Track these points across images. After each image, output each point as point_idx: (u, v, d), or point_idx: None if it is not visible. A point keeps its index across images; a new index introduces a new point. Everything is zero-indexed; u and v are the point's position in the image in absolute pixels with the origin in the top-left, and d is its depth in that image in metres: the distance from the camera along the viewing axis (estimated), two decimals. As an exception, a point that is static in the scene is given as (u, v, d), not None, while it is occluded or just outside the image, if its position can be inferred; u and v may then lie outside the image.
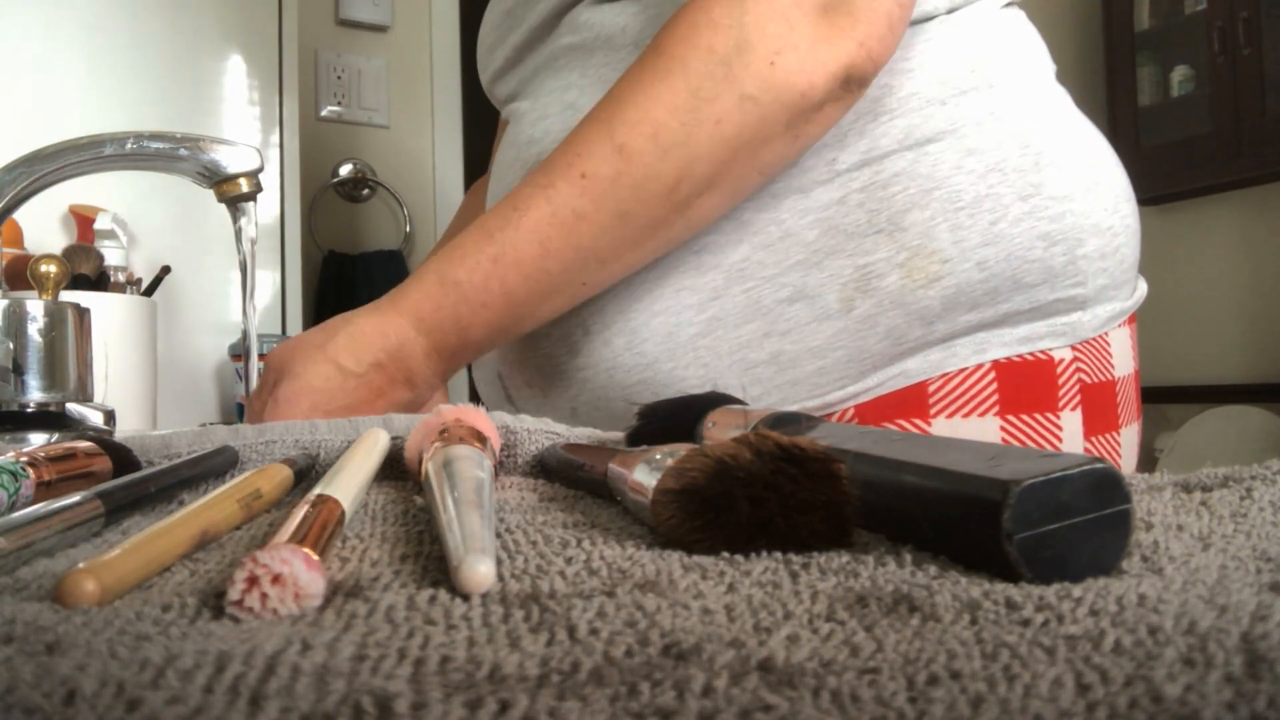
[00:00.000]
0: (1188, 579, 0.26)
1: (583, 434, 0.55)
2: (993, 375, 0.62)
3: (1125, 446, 0.66)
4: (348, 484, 0.35)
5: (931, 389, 0.62)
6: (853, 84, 0.57)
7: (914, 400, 0.62)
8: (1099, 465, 0.27)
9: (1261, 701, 0.17)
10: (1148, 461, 2.79)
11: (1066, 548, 0.26)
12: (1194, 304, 2.94)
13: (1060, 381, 0.62)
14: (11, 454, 0.39)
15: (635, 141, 0.56)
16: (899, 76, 0.62)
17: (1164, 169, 2.82)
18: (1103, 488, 0.27)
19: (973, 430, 0.62)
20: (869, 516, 0.32)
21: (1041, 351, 0.62)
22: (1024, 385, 0.62)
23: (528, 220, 0.57)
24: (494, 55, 0.80)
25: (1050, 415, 0.62)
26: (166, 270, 1.48)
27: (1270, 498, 0.37)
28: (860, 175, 0.61)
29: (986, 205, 0.61)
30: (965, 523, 0.28)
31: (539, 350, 0.69)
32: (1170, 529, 0.33)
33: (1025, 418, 0.62)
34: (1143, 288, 0.69)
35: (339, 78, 2.40)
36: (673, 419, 0.53)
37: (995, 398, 0.62)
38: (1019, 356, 0.62)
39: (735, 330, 0.62)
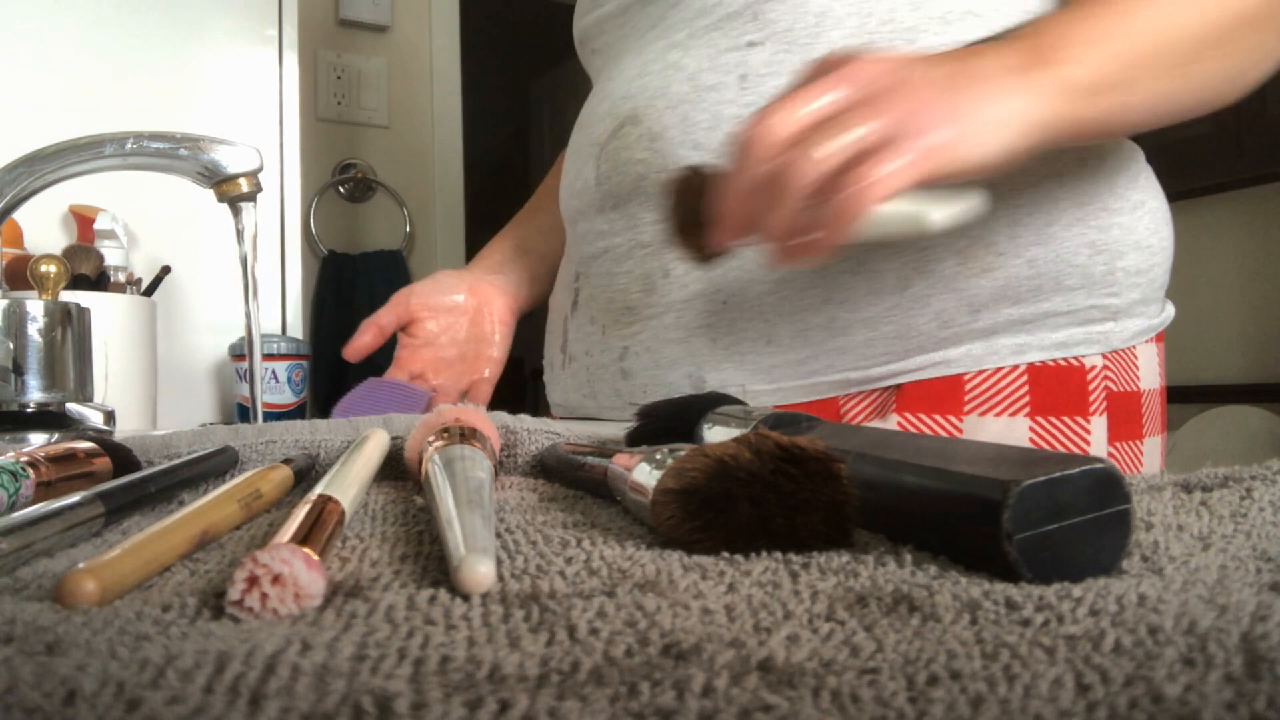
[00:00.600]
0: (1188, 579, 0.26)
1: (583, 434, 0.55)
2: (1026, 378, 0.64)
3: (1148, 455, 0.68)
4: (348, 484, 0.35)
5: (968, 384, 0.65)
6: None
7: (949, 395, 0.65)
8: (1098, 465, 0.27)
9: (1261, 701, 0.17)
10: (1148, 461, 2.79)
11: (1066, 547, 0.26)
12: (1194, 304, 2.94)
13: (1090, 387, 0.65)
14: (11, 454, 0.39)
15: None
16: None
17: (1164, 169, 2.81)
18: (1102, 488, 0.27)
19: (1002, 429, 0.64)
20: (869, 516, 0.32)
21: (1075, 358, 0.65)
22: (1056, 389, 0.64)
23: None
24: (603, 5, 0.79)
25: (1080, 419, 0.65)
26: (166, 270, 1.47)
27: (1270, 498, 0.37)
28: None
29: (1044, 207, 0.63)
30: (965, 523, 0.28)
31: (614, 284, 0.72)
32: (1170, 529, 0.33)
33: (1054, 420, 0.64)
34: (1170, 310, 0.72)
35: (339, 78, 2.40)
36: (673, 419, 0.53)
37: (1026, 399, 0.64)
38: (1054, 361, 0.65)
39: (800, 293, 0.64)
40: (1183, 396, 2.96)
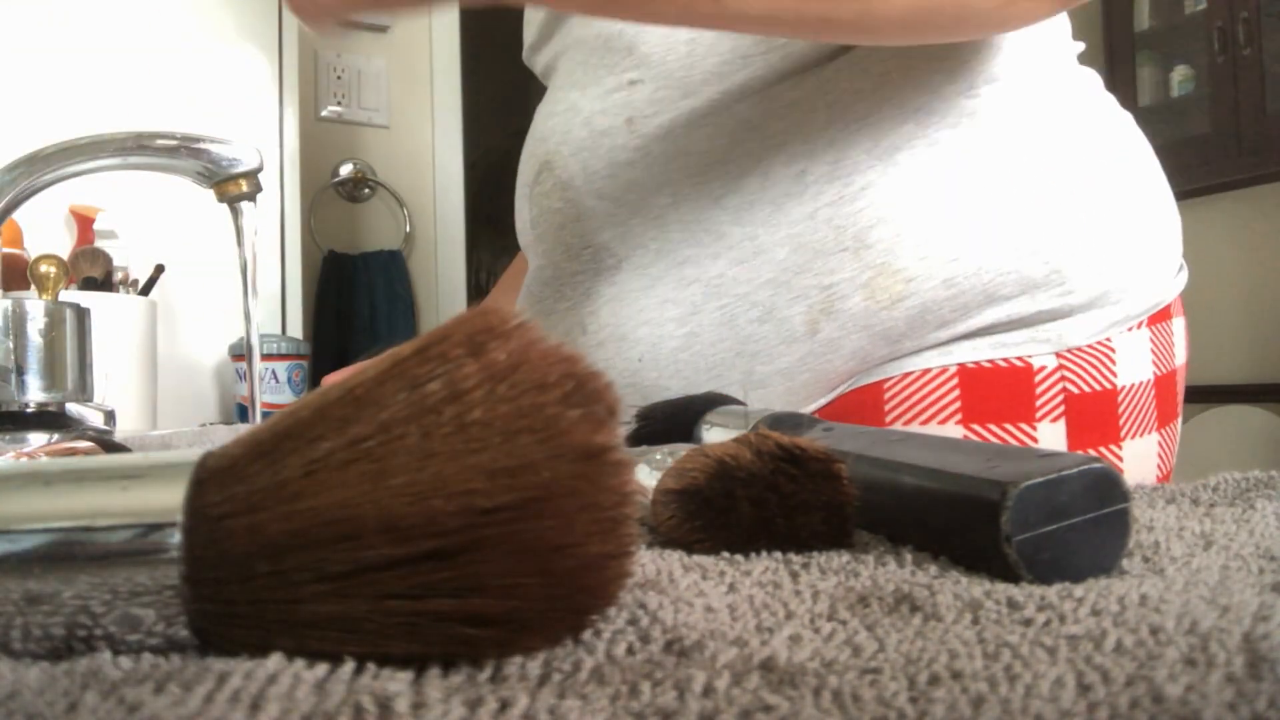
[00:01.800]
0: (1189, 579, 0.26)
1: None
2: (956, 381, 0.58)
3: (1133, 458, 0.61)
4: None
5: (888, 391, 0.59)
6: None
7: (869, 404, 0.60)
8: (1097, 465, 0.27)
9: (1263, 702, 0.16)
10: (1148, 462, 2.79)
11: (1066, 548, 0.26)
12: (1194, 304, 2.94)
13: (1039, 390, 0.58)
14: (11, 454, 0.39)
15: None
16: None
17: (1164, 169, 2.82)
18: (1101, 487, 0.27)
19: None
20: (869, 517, 0.32)
21: (1018, 358, 0.58)
22: (992, 392, 0.58)
23: None
24: (530, 26, 0.78)
25: (1025, 425, 0.58)
26: (161, 269, 1.47)
27: (1274, 510, 0.37)
28: (829, 189, 0.59)
29: (958, 217, 0.57)
30: (964, 524, 0.28)
31: (547, 329, 0.69)
32: (1172, 530, 0.33)
33: (994, 427, 0.58)
34: (1179, 281, 0.65)
35: (339, 78, 2.40)
36: (672, 420, 0.53)
37: (958, 404, 0.58)
38: (989, 362, 0.58)
39: (711, 347, 0.61)
40: (1183, 397, 2.96)
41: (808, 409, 0.62)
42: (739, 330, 0.61)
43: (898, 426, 0.59)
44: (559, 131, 0.68)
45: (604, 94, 0.65)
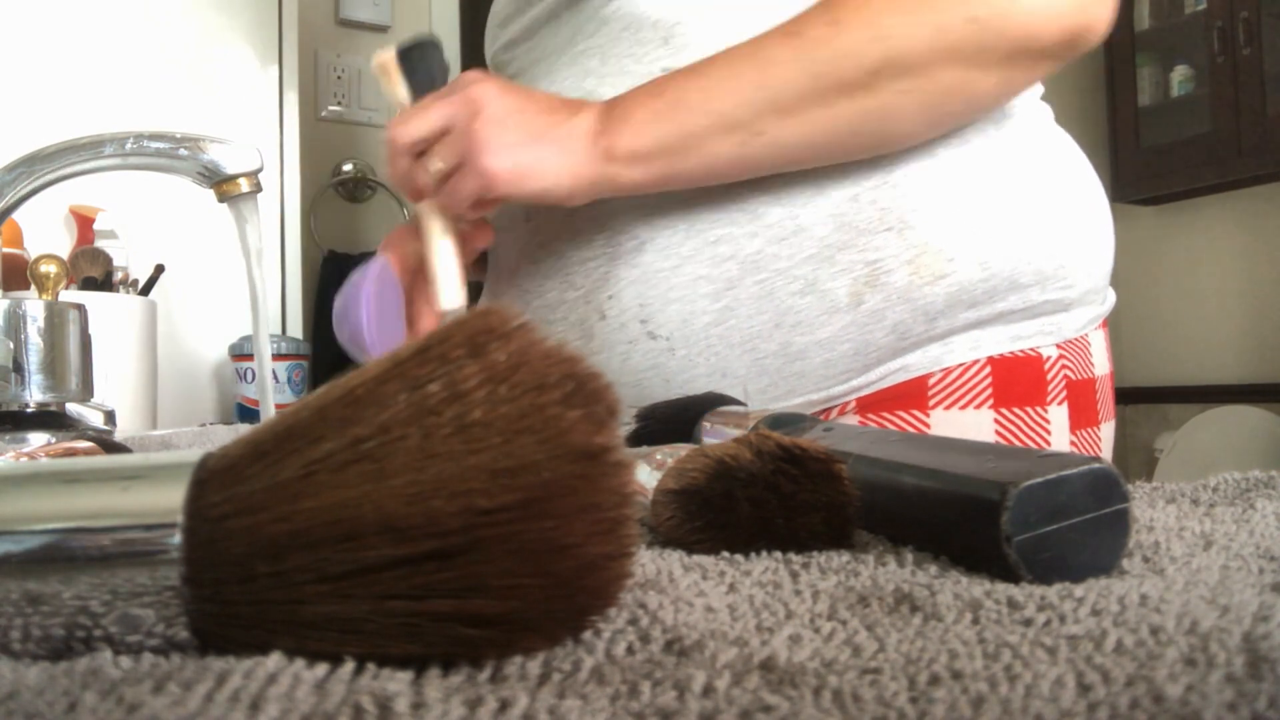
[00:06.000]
0: (1189, 579, 0.26)
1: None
2: (988, 370, 0.65)
3: (1105, 442, 0.70)
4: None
5: (931, 383, 0.65)
6: (1078, 46, 0.59)
7: (914, 393, 0.65)
8: (1096, 465, 0.27)
9: (1263, 701, 0.17)
10: (1148, 462, 2.79)
11: (1066, 548, 0.26)
12: (1194, 304, 2.94)
13: (1049, 377, 0.66)
14: (11, 454, 0.39)
15: (852, 21, 0.57)
16: None
17: (1164, 169, 2.82)
18: (1100, 487, 0.27)
19: (968, 421, 0.64)
20: (869, 517, 0.32)
21: (1031, 349, 0.65)
22: (1016, 380, 0.65)
23: (726, 53, 0.59)
24: (508, 28, 0.79)
25: (1039, 409, 0.65)
26: (161, 269, 1.47)
27: (1274, 509, 0.37)
28: (872, 175, 0.63)
29: (991, 209, 0.63)
30: (964, 524, 0.28)
31: (552, 334, 0.68)
32: (1172, 530, 0.33)
33: (1018, 410, 0.65)
34: (1112, 296, 0.73)
35: (339, 78, 2.40)
36: (672, 420, 0.53)
37: (990, 391, 0.64)
38: (1011, 353, 0.65)
39: (748, 320, 0.63)
40: (1183, 396, 2.96)
41: (847, 385, 0.65)
42: (779, 303, 0.63)
43: (940, 411, 0.65)
44: None
45: (631, 83, 0.64)
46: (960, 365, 0.64)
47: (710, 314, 0.63)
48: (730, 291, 0.63)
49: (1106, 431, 0.70)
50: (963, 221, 0.63)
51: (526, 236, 0.71)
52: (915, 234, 0.62)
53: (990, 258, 0.63)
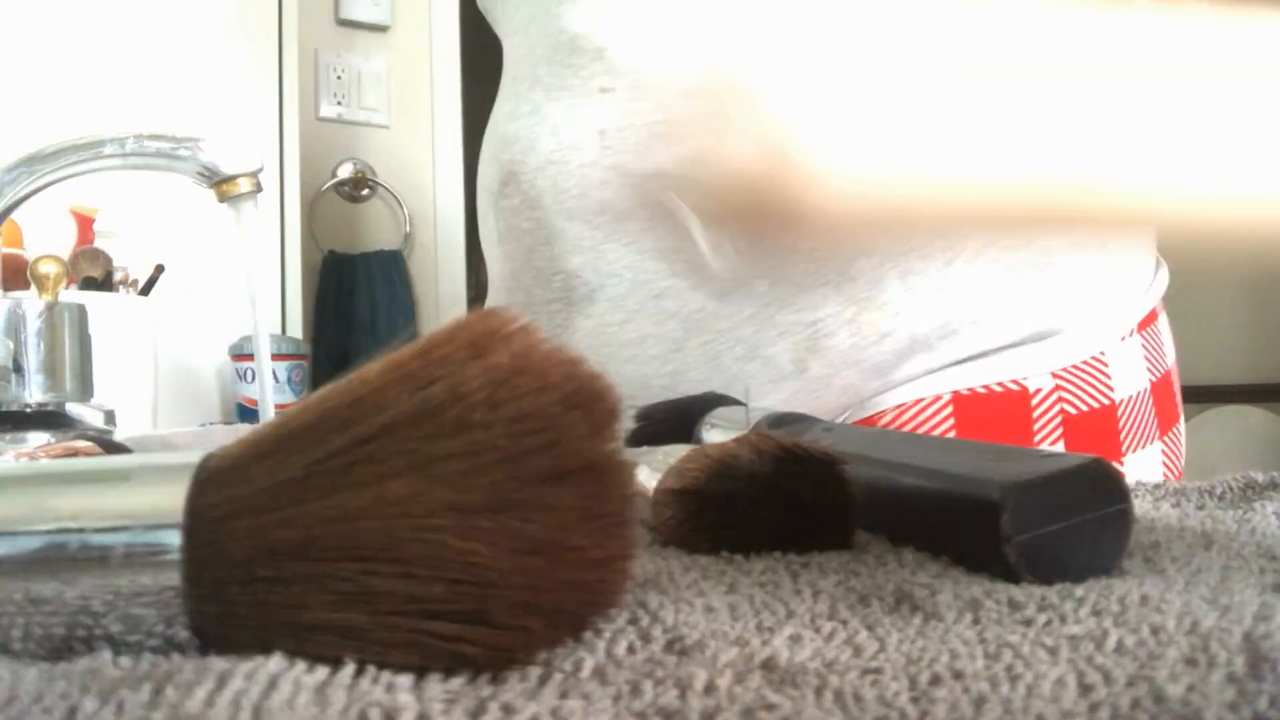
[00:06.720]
0: (1190, 579, 0.26)
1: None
2: (951, 410, 0.57)
3: (1134, 473, 0.60)
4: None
5: (882, 423, 0.58)
6: None
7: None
8: (1097, 464, 0.27)
9: (1264, 701, 0.17)
10: (1147, 461, 2.78)
11: (1066, 548, 0.26)
12: (1194, 304, 2.94)
13: (1036, 414, 0.57)
14: (11, 454, 0.39)
15: None
16: None
17: (1164, 169, 2.82)
18: (1101, 487, 0.27)
19: None
20: (869, 517, 0.32)
21: (1014, 380, 0.57)
22: (989, 418, 0.56)
23: None
24: None
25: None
26: (161, 269, 1.47)
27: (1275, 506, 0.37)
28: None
29: (938, 244, 0.56)
30: (964, 524, 0.28)
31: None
32: (1172, 530, 0.33)
33: None
34: (1160, 282, 0.64)
35: (339, 78, 2.40)
36: (672, 420, 0.53)
37: (953, 433, 0.57)
38: (984, 387, 0.57)
39: (697, 388, 0.59)
40: (1182, 396, 2.96)
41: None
42: (725, 369, 0.59)
43: None
44: (524, 137, 0.63)
45: (572, 101, 0.61)
46: (919, 401, 0.57)
47: (663, 377, 0.60)
48: (677, 354, 0.59)
49: (1134, 462, 0.60)
50: (905, 266, 0.56)
51: (499, 260, 0.68)
52: (854, 286, 0.56)
53: (943, 302, 0.55)
